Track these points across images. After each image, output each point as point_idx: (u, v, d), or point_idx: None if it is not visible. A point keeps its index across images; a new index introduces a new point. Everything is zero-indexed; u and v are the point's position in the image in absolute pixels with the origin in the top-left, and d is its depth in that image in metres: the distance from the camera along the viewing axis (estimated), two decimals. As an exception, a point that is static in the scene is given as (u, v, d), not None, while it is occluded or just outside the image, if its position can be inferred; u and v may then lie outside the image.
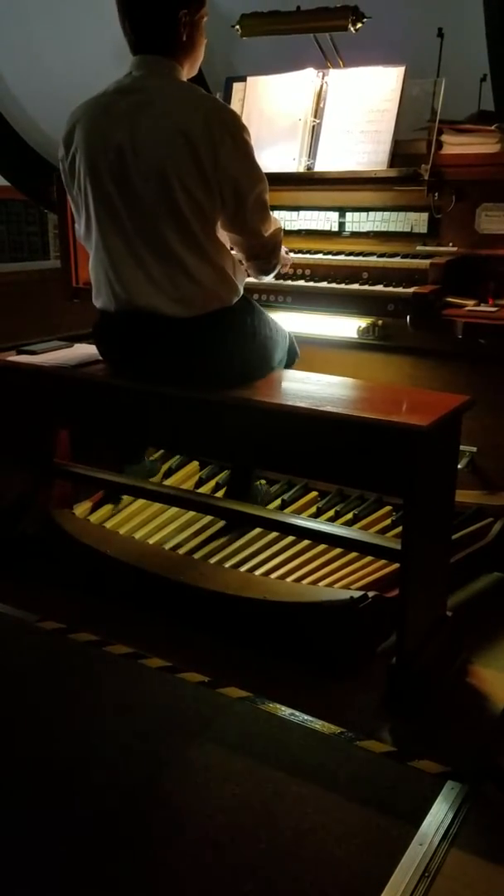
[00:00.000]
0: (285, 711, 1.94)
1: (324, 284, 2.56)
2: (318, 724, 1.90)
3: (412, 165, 2.47)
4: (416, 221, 2.54)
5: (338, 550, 2.46)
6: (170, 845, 1.57)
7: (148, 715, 1.94)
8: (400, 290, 2.41)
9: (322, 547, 2.48)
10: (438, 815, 1.63)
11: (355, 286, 2.51)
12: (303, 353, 2.47)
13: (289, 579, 2.36)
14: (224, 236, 2.11)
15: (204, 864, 1.52)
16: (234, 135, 1.98)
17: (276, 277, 2.51)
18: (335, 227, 2.70)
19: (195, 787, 1.71)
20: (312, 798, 1.68)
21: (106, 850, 1.56)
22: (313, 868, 1.51)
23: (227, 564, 2.45)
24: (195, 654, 2.15)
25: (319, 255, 2.64)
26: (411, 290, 2.36)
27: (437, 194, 2.46)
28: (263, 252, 2.16)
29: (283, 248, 2.54)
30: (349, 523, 2.63)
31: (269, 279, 2.32)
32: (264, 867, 1.51)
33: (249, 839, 1.58)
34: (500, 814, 1.65)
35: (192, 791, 1.70)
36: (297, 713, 1.93)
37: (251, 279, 2.31)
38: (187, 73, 2.10)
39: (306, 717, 1.92)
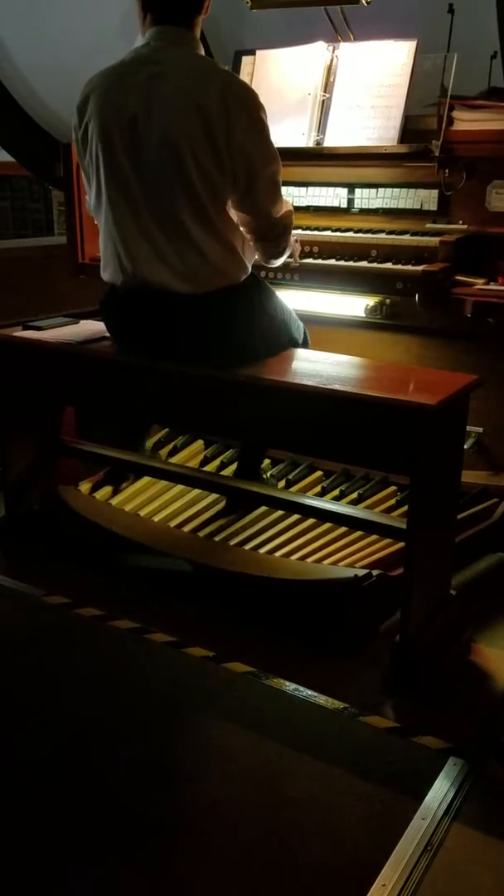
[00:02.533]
0: (290, 686, 1.95)
1: (332, 262, 2.55)
2: (321, 700, 1.91)
3: (423, 141, 2.44)
4: (426, 198, 2.51)
5: (342, 529, 2.47)
6: (175, 817, 1.58)
7: (153, 689, 1.95)
8: (409, 268, 2.39)
9: (327, 526, 2.49)
10: (441, 790, 1.64)
11: (364, 264, 2.49)
12: (310, 332, 2.46)
13: (293, 557, 2.37)
14: (234, 216, 2.09)
15: (210, 835, 1.54)
16: (250, 112, 1.96)
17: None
18: (344, 204, 2.67)
19: (200, 760, 1.73)
20: (316, 772, 1.69)
21: (111, 819, 1.58)
22: (317, 841, 1.53)
23: (232, 542, 2.45)
24: (200, 630, 2.16)
25: (328, 232, 2.62)
26: (420, 268, 2.34)
27: (447, 171, 2.43)
28: (272, 234, 2.14)
29: (294, 238, 2.52)
30: (354, 503, 2.63)
31: (277, 264, 2.29)
32: (269, 839, 1.53)
33: (254, 812, 1.59)
34: (501, 789, 1.66)
35: (196, 764, 1.72)
36: (302, 688, 1.95)
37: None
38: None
39: (310, 692, 1.93)
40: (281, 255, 2.23)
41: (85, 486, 2.73)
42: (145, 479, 2.78)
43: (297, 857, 1.49)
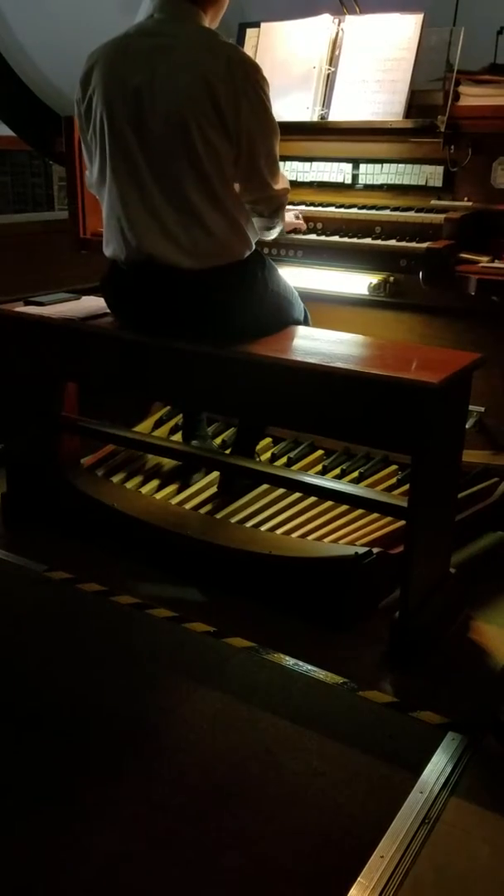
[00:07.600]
0: (289, 661, 1.97)
1: (335, 238, 2.52)
2: (321, 675, 1.93)
3: (428, 117, 2.41)
4: (431, 175, 2.49)
5: (343, 508, 2.48)
6: (176, 791, 1.60)
7: (154, 663, 1.97)
8: (413, 245, 2.37)
9: (327, 504, 2.50)
10: (439, 765, 1.66)
11: (367, 241, 2.47)
12: (312, 310, 2.44)
13: (294, 535, 2.37)
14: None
15: (210, 809, 1.56)
16: (256, 86, 1.94)
17: (287, 231, 2.48)
18: (348, 180, 2.65)
19: (201, 734, 1.74)
20: (315, 746, 1.71)
21: (110, 793, 1.60)
22: (317, 813, 1.55)
23: (233, 520, 2.46)
24: (201, 606, 2.18)
25: (331, 208, 2.60)
26: (425, 245, 2.32)
27: (453, 147, 2.40)
28: (269, 207, 2.12)
29: (294, 213, 2.50)
30: (355, 482, 2.63)
31: (270, 237, 2.28)
32: (270, 812, 1.55)
33: (255, 785, 1.61)
34: (498, 764, 1.68)
35: (197, 738, 1.73)
36: (301, 663, 1.96)
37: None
38: (209, 22, 2.04)
39: (310, 667, 1.95)
40: (274, 228, 2.21)
41: (87, 463, 2.73)
42: (148, 457, 2.78)
43: (297, 829, 1.51)
